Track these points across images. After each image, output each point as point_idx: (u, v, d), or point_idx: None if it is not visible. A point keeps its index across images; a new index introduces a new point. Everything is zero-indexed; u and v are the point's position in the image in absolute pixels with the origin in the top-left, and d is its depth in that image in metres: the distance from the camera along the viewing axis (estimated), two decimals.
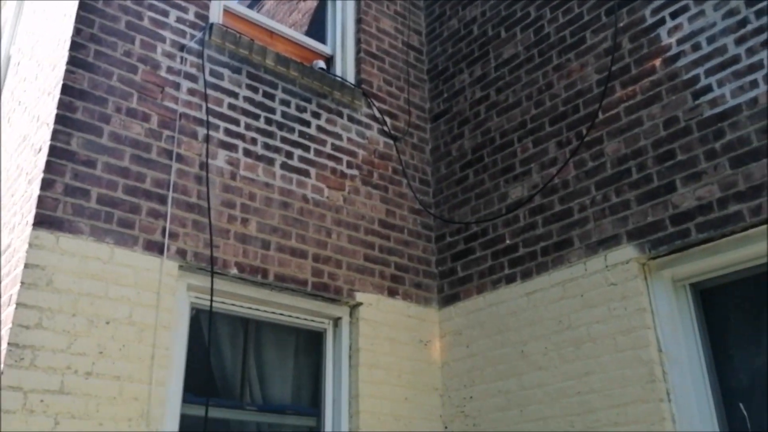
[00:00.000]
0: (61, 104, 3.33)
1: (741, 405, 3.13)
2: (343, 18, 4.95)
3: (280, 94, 4.21)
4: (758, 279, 3.26)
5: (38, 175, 3.20)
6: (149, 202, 3.44)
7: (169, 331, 3.28)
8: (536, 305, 3.82)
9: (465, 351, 4.13)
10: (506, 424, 3.78)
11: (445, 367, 4.22)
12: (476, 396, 3.99)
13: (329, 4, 5.07)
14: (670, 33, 3.69)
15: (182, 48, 3.89)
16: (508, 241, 4.12)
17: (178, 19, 3.95)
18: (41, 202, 3.10)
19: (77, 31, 3.51)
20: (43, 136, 3.36)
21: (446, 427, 4.10)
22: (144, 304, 3.23)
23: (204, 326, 3.58)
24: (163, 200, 3.49)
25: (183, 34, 3.93)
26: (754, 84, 3.28)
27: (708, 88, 3.44)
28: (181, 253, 3.45)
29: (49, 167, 3.18)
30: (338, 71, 4.74)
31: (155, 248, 3.38)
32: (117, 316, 3.13)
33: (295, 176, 4.06)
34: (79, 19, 3.54)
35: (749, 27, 3.38)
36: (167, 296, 3.32)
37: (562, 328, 3.65)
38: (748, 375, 3.19)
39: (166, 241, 3.42)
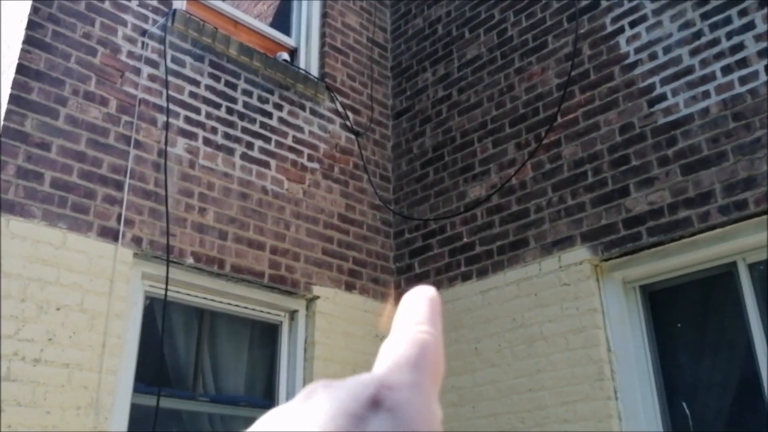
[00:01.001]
0: (16, 84, 3.24)
1: (684, 404, 3.23)
2: (308, 11, 4.94)
3: (242, 84, 4.17)
4: (704, 283, 3.37)
5: None
6: (105, 187, 3.38)
7: (121, 319, 3.23)
8: (491, 303, 3.88)
9: None
10: (458, 420, 3.83)
11: None
12: None
13: None
14: (628, 41, 3.79)
15: (144, 33, 3.83)
16: (465, 239, 4.17)
17: (141, 4, 3.88)
18: None
19: (35, 10, 3.42)
20: None
21: None
22: (96, 292, 3.17)
23: (158, 315, 3.53)
24: (119, 186, 3.43)
25: (145, 18, 3.87)
26: (706, 94, 3.40)
27: (663, 97, 3.55)
28: (137, 241, 3.40)
29: (1, 148, 3.10)
30: (302, 64, 4.72)
31: (110, 235, 3.32)
32: (68, 303, 3.06)
33: (255, 167, 4.03)
34: None
35: (703, 39, 3.49)
36: (121, 284, 3.27)
37: (516, 326, 3.72)
38: (691, 375, 3.31)
39: (122, 228, 3.36)
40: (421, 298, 0.32)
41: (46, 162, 3.22)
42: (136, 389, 3.28)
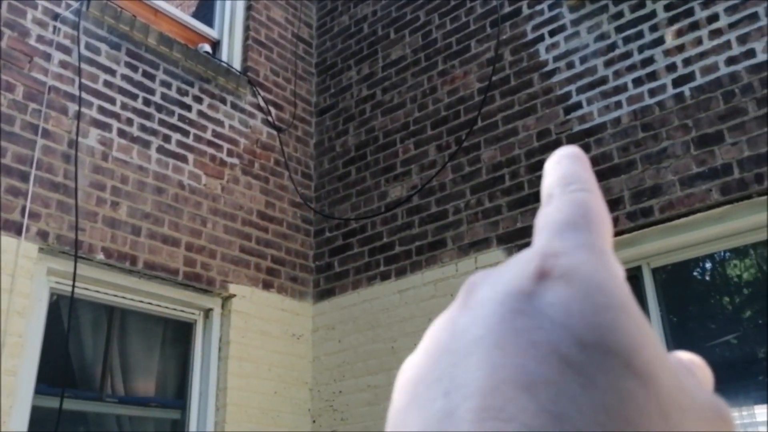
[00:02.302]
0: None
1: None
2: (232, 3, 4.84)
3: (161, 75, 4.05)
4: None
5: None
6: (9, 178, 3.22)
7: (23, 317, 3.08)
8: (408, 302, 3.91)
9: (337, 346, 4.16)
10: (373, 418, 3.84)
11: (316, 362, 4.23)
12: (345, 390, 4.03)
13: None
14: (548, 50, 3.89)
15: (56, 17, 3.66)
16: (385, 239, 4.19)
17: None
18: None
19: None
20: None
21: (314, 421, 4.11)
22: None
23: (64, 313, 3.39)
24: (25, 177, 3.27)
25: (58, 2, 3.70)
26: (618, 105, 3.53)
27: (578, 105, 3.66)
28: (43, 235, 3.25)
29: None
30: (224, 57, 4.62)
31: (12, 228, 3.16)
32: None
33: (171, 161, 3.92)
34: None
35: (617, 51, 3.62)
36: (23, 280, 3.12)
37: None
38: None
39: (26, 221, 3.20)
40: (564, 158, 0.28)
41: None
42: (38, 390, 3.13)
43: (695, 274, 3.52)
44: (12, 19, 3.47)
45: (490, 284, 0.24)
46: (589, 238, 0.24)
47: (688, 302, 3.41)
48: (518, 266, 0.23)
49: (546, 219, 0.25)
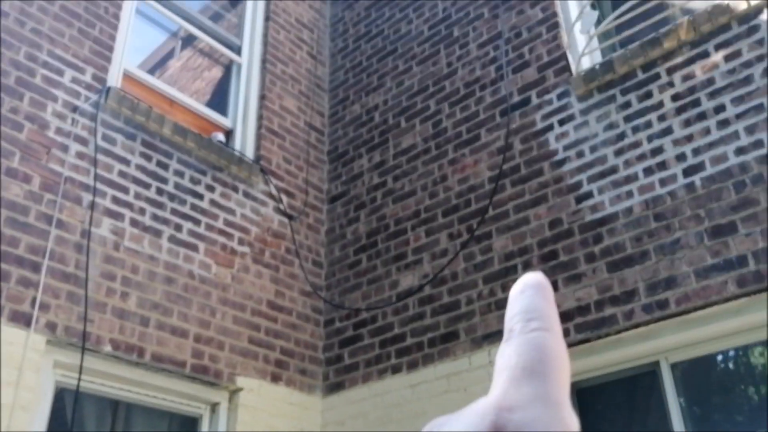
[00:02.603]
0: None
1: None
2: (246, 92, 4.95)
3: (174, 165, 4.10)
4: (629, 381, 3.40)
5: None
6: (20, 269, 3.22)
7: (27, 412, 3.01)
8: (420, 398, 3.80)
9: None
10: None
11: None
12: None
13: (233, 77, 5.07)
14: (557, 139, 3.92)
15: (75, 109, 3.75)
16: (396, 330, 4.12)
17: (74, 80, 3.82)
18: None
19: None
20: None
21: None
22: (1, 382, 2.96)
23: (68, 407, 3.32)
24: (36, 268, 3.27)
25: (77, 95, 3.80)
26: (629, 194, 3.52)
27: (589, 194, 3.66)
28: (51, 327, 3.22)
29: None
30: (237, 145, 4.70)
31: (22, 320, 3.14)
32: None
33: (182, 250, 3.92)
34: None
35: (626, 141, 3.65)
36: (30, 373, 3.07)
37: None
38: None
39: (36, 312, 3.19)
40: (528, 288, 0.28)
41: None
42: None
43: (717, 363, 3.41)
44: (33, 112, 3.55)
45: None
46: (545, 389, 0.24)
47: (711, 393, 3.30)
48: (474, 419, 0.24)
49: (505, 362, 0.26)
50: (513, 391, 0.24)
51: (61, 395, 3.32)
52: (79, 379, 3.22)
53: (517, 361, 0.25)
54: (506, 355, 0.26)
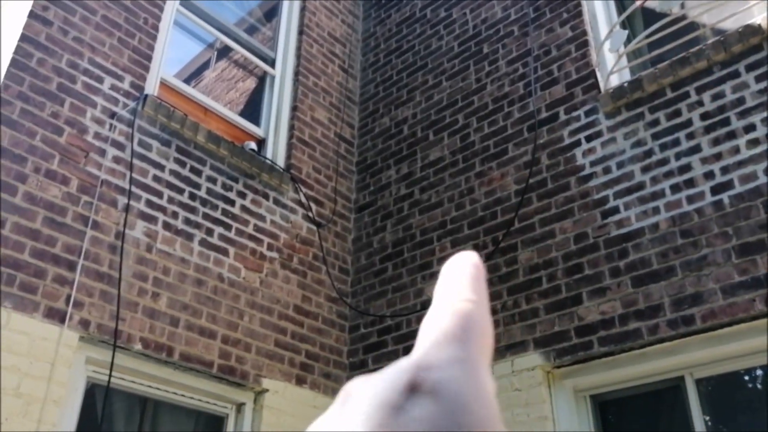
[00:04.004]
0: None
1: None
2: (279, 103, 5.06)
3: (207, 171, 4.20)
4: (653, 395, 3.40)
5: None
6: (57, 267, 3.32)
7: (59, 406, 3.10)
8: None
9: None
10: None
11: None
12: None
13: (267, 88, 5.19)
14: (584, 154, 3.95)
15: (113, 115, 3.87)
16: None
17: (113, 87, 3.94)
18: None
19: (5, 87, 3.45)
20: None
21: None
22: (35, 376, 3.05)
23: (99, 402, 3.40)
24: (72, 267, 3.37)
25: (116, 101, 3.92)
26: (656, 210, 3.53)
27: (615, 210, 3.68)
28: (84, 324, 3.31)
29: None
30: (269, 154, 4.80)
31: (56, 316, 3.23)
32: (3, 387, 2.94)
33: (213, 254, 4.01)
34: (9, 75, 3.49)
35: (654, 158, 3.66)
36: (62, 368, 3.16)
37: None
38: None
39: (70, 309, 3.28)
40: (461, 265, 0.29)
41: None
42: None
43: (744, 381, 3.39)
44: (73, 117, 3.68)
45: (363, 395, 0.25)
46: (465, 351, 0.25)
47: (738, 411, 3.28)
48: (393, 376, 0.25)
49: (429, 326, 0.27)
50: (434, 352, 0.25)
51: (92, 390, 3.40)
52: (110, 376, 3.30)
53: (440, 326, 0.26)
54: (431, 321, 0.27)
